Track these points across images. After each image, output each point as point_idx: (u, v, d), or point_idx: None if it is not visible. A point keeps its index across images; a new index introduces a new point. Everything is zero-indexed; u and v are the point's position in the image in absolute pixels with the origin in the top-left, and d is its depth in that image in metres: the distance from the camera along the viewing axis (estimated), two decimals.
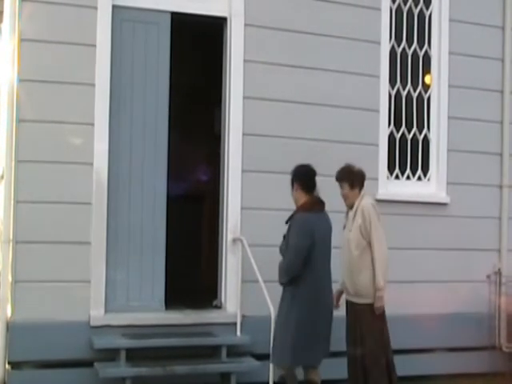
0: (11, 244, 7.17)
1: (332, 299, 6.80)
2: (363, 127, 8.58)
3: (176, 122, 8.36)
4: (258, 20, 8.11)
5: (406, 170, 8.94)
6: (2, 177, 7.37)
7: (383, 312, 6.70)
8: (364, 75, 8.58)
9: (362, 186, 6.83)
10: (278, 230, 7.73)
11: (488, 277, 9.12)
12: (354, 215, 6.73)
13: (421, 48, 9.05)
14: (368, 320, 6.64)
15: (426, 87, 9.11)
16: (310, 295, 6.53)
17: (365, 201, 6.74)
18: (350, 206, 6.83)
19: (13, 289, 7.14)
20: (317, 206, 6.74)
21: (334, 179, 8.23)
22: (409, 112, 8.98)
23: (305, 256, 6.50)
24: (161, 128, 7.82)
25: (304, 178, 6.85)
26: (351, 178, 6.82)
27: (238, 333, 7.71)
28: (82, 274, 7.30)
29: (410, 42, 8.98)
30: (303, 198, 6.78)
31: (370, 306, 6.63)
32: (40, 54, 7.29)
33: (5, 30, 7.48)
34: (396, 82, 8.89)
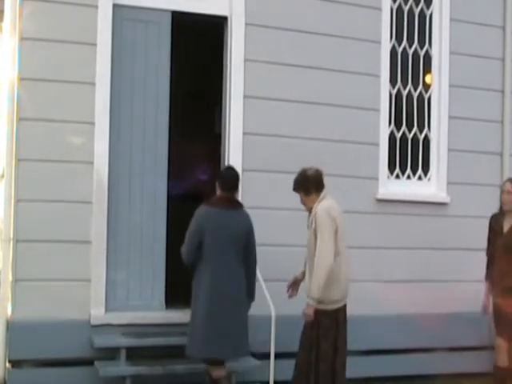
0: (11, 243, 7.17)
1: (242, 296, 6.69)
2: (364, 127, 8.58)
3: (176, 121, 8.35)
4: (259, 19, 8.11)
5: (406, 169, 8.94)
6: (3, 175, 7.37)
7: (339, 318, 6.57)
8: (364, 75, 8.59)
9: (317, 189, 6.68)
10: (278, 230, 7.78)
11: None
12: (312, 220, 6.62)
13: (421, 48, 9.05)
14: (322, 324, 6.53)
15: (427, 87, 9.11)
16: (208, 288, 6.53)
17: (320, 205, 6.56)
18: (309, 211, 6.72)
19: (13, 287, 7.14)
20: (225, 203, 6.72)
21: (333, 179, 8.29)
22: (409, 111, 8.99)
23: (194, 246, 6.56)
24: (161, 127, 7.82)
25: (224, 179, 6.85)
26: (304, 186, 6.70)
27: None
28: (83, 272, 7.30)
29: (410, 42, 8.99)
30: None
31: (322, 311, 6.49)
32: (40, 53, 7.28)
33: (5, 28, 7.49)
34: (397, 81, 8.89)
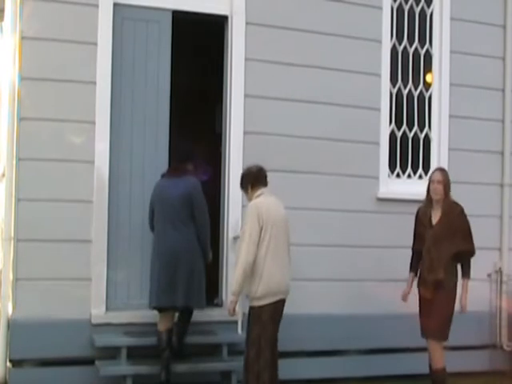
0: (12, 242, 7.18)
1: (190, 253, 7.11)
2: (364, 126, 8.57)
3: (177, 120, 8.35)
4: (259, 18, 8.11)
5: (407, 168, 8.94)
6: (3, 175, 7.38)
7: (262, 316, 6.61)
8: (365, 74, 8.58)
9: (253, 186, 6.83)
10: None
11: (489, 275, 9.13)
12: None
13: (422, 46, 9.04)
14: (252, 320, 6.68)
15: (427, 86, 9.10)
16: (157, 248, 7.16)
17: (252, 202, 6.74)
18: None
19: (14, 287, 7.15)
20: (169, 173, 7.38)
21: (334, 178, 8.31)
22: (410, 110, 8.98)
23: (150, 215, 7.34)
24: (162, 126, 7.81)
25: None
26: (242, 183, 6.98)
27: (239, 331, 7.70)
28: (83, 272, 7.31)
29: (411, 41, 8.98)
30: None
31: (250, 306, 6.71)
32: (41, 52, 7.29)
33: (6, 28, 7.50)
34: (397, 80, 8.88)
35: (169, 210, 7.14)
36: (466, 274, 7.25)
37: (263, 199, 6.72)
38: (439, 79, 9.05)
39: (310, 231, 8.18)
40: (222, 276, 8.04)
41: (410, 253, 8.64)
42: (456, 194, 8.87)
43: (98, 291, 7.37)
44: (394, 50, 8.85)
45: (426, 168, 9.00)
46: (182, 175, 7.28)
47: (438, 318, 7.07)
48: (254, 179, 6.86)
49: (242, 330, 7.69)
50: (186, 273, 7.06)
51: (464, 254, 7.17)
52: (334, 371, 8.14)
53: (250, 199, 6.87)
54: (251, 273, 6.53)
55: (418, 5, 9.03)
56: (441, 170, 7.45)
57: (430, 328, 7.09)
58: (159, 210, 7.20)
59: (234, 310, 6.68)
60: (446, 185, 7.22)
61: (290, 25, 8.24)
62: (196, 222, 7.18)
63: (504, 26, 9.33)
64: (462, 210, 7.28)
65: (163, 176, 7.38)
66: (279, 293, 6.62)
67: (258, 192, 6.79)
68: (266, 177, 6.91)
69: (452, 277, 7.11)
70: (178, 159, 7.50)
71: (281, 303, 6.69)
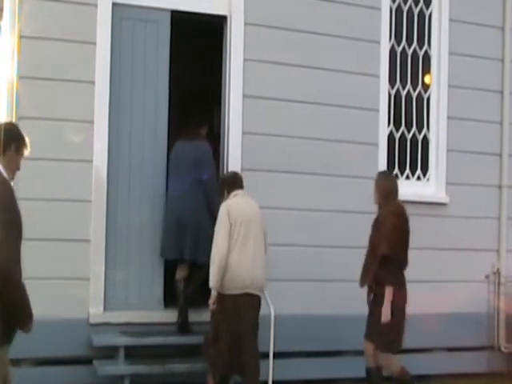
0: None
1: (195, 213, 7.55)
2: (362, 127, 8.57)
3: (175, 120, 8.35)
4: (258, 18, 8.11)
5: (405, 169, 8.94)
6: None
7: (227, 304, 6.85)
8: (364, 74, 8.58)
9: (229, 190, 7.20)
10: (277, 229, 7.76)
11: (487, 277, 9.14)
12: None
13: (420, 48, 9.05)
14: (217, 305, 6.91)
15: (426, 87, 9.11)
16: (168, 205, 7.68)
17: (224, 203, 7.10)
18: None
19: None
20: (182, 137, 7.87)
21: (332, 179, 8.30)
22: (408, 112, 8.99)
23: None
24: (160, 126, 7.82)
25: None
26: (221, 190, 7.34)
27: None
28: (81, 271, 7.30)
29: (409, 42, 8.99)
30: None
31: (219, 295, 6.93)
32: (40, 52, 7.28)
33: (5, 27, 7.47)
34: (396, 81, 8.89)
35: (180, 172, 7.59)
36: (387, 280, 6.82)
37: (235, 199, 7.10)
38: (438, 80, 9.06)
39: (308, 232, 8.17)
40: None
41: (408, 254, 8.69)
42: (454, 196, 8.95)
43: (96, 291, 7.36)
44: (392, 51, 8.85)
45: (425, 169, 9.02)
46: (194, 139, 7.75)
47: (374, 327, 6.90)
48: (229, 185, 7.27)
49: None
50: (194, 230, 7.48)
51: (384, 259, 6.82)
52: (332, 372, 8.13)
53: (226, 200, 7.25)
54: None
55: (416, 6, 9.04)
56: (379, 175, 7.29)
57: (372, 336, 6.97)
58: (172, 171, 7.69)
59: (214, 303, 6.89)
60: (382, 193, 7.03)
61: (288, 25, 8.24)
62: (205, 185, 7.57)
63: (503, 28, 9.35)
64: (392, 212, 6.97)
65: (178, 140, 7.84)
66: (244, 287, 6.83)
67: (233, 194, 7.15)
68: (241, 181, 7.31)
69: (383, 283, 6.81)
70: (194, 123, 7.96)
71: (246, 297, 6.86)
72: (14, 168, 4.70)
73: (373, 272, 6.89)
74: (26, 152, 4.76)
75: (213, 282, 6.82)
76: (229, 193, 7.20)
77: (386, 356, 6.97)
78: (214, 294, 6.88)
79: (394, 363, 6.98)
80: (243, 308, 6.85)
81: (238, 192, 7.17)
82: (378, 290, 6.89)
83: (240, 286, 6.82)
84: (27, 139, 4.78)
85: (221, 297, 6.86)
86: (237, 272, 6.81)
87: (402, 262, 6.98)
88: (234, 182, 7.27)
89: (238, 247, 6.85)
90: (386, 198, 7.03)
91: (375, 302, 6.92)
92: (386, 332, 6.80)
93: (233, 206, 6.99)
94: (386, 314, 6.78)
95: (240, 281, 6.82)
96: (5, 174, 4.58)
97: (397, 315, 6.82)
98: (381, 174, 7.36)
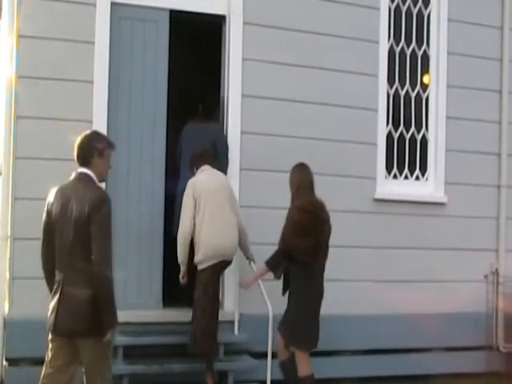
0: (9, 241, 7.17)
1: None
2: (361, 126, 8.58)
3: (174, 119, 8.34)
4: (257, 18, 8.11)
5: (404, 169, 8.94)
6: (0, 173, 7.36)
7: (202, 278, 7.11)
8: (362, 74, 8.59)
9: (198, 166, 7.40)
10: (276, 229, 7.73)
11: (485, 277, 9.14)
12: None
13: (419, 48, 9.06)
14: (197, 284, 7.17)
15: (425, 87, 9.12)
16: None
17: (190, 180, 7.31)
18: None
19: (10, 285, 7.14)
20: (195, 118, 8.21)
21: (331, 178, 8.29)
22: (407, 112, 8.99)
23: (178, 155, 8.07)
24: (159, 126, 7.82)
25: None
26: (191, 166, 7.52)
27: (236, 331, 7.72)
28: None
29: (408, 42, 9.00)
30: None
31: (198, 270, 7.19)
32: (38, 51, 7.29)
33: (3, 26, 7.47)
34: (394, 81, 8.90)
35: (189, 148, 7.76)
36: (269, 263, 6.75)
37: (201, 175, 7.33)
38: (436, 80, 9.07)
39: None
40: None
41: (406, 253, 8.71)
42: (453, 196, 8.95)
43: None
44: (391, 51, 8.86)
45: (423, 169, 9.02)
46: (202, 121, 8.05)
47: (286, 320, 6.72)
48: (197, 160, 7.46)
49: (239, 330, 7.70)
50: None
51: (289, 254, 6.62)
52: (329, 371, 8.12)
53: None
54: (195, 242, 7.12)
55: (415, 6, 9.04)
56: (293, 167, 7.01)
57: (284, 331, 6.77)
58: (183, 153, 7.87)
59: (183, 277, 7.24)
60: (294, 185, 6.84)
61: (287, 25, 8.24)
62: (218, 160, 7.71)
63: (501, 28, 9.35)
64: (297, 207, 6.68)
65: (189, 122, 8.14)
66: (218, 256, 7.10)
67: (200, 169, 7.39)
68: (210, 156, 7.50)
69: (296, 280, 6.64)
70: (205, 107, 8.35)
71: (220, 265, 7.18)
72: (103, 172, 5.34)
73: (281, 264, 6.73)
74: (112, 149, 5.37)
75: (180, 258, 7.17)
76: (197, 168, 7.41)
77: (297, 353, 6.70)
78: (182, 269, 7.20)
79: (302, 362, 6.69)
80: (218, 275, 7.25)
81: (205, 167, 7.38)
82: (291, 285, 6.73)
83: (214, 256, 7.09)
84: (103, 137, 5.48)
85: (198, 274, 7.13)
86: (210, 244, 7.06)
87: (307, 260, 6.54)
88: (202, 157, 7.44)
89: (207, 220, 7.08)
90: (297, 191, 6.81)
91: (288, 296, 6.75)
92: (295, 327, 6.63)
93: (197, 182, 7.22)
94: (245, 282, 7.09)
95: (214, 251, 7.08)
96: (97, 183, 5.28)
97: (305, 313, 6.63)
98: (295, 166, 7.02)
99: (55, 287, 5.34)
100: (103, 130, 7.42)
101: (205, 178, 7.29)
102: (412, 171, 8.99)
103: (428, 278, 8.74)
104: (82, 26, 7.44)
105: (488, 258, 9.16)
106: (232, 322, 7.72)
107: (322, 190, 8.24)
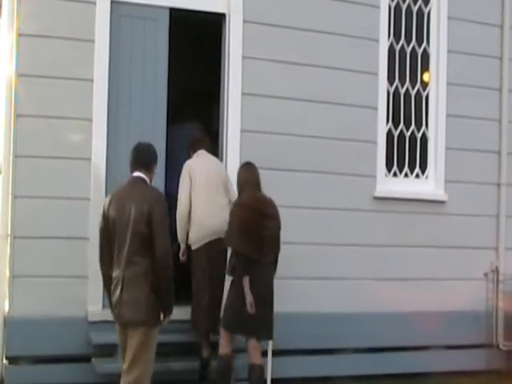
0: (9, 239, 7.17)
1: None
2: (361, 124, 8.57)
3: (174, 118, 8.34)
4: (257, 16, 8.10)
5: (404, 167, 8.93)
6: (0, 172, 7.36)
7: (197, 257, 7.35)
8: (362, 73, 8.58)
9: (194, 150, 7.73)
10: None
11: (485, 275, 9.13)
12: None
13: (419, 46, 9.05)
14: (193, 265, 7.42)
15: (425, 85, 9.11)
16: None
17: (185, 163, 7.59)
18: None
19: (10, 284, 7.14)
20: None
21: (331, 177, 8.30)
22: (407, 110, 8.98)
23: None
24: (159, 124, 7.81)
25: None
26: (187, 151, 7.82)
27: None
28: (80, 269, 7.27)
29: (408, 40, 8.99)
30: None
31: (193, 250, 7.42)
32: (38, 50, 7.28)
33: (3, 25, 7.47)
34: (394, 79, 8.89)
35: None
36: (235, 270, 6.94)
37: (195, 158, 7.66)
38: (436, 78, 9.06)
39: (306, 230, 8.17)
40: None
41: (406, 252, 8.71)
42: (453, 194, 8.94)
43: (94, 289, 7.32)
44: (391, 49, 8.85)
45: (423, 167, 9.01)
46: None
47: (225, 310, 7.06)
48: (194, 144, 7.80)
49: None
50: None
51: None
52: (330, 369, 8.14)
53: None
54: (190, 222, 7.38)
55: (415, 4, 9.03)
56: (241, 165, 7.34)
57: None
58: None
59: (183, 255, 7.48)
60: (239, 182, 7.12)
61: (287, 23, 8.23)
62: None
63: (501, 26, 9.33)
64: (237, 204, 6.97)
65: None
66: (212, 234, 7.31)
67: (196, 154, 7.71)
68: (206, 142, 7.86)
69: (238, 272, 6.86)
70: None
71: (214, 242, 7.31)
72: (153, 177, 6.05)
73: (230, 260, 7.11)
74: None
75: (179, 236, 7.43)
76: (194, 152, 7.72)
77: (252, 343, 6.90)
78: (182, 246, 7.46)
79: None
80: (214, 252, 7.31)
81: (201, 152, 7.70)
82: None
83: (208, 235, 7.30)
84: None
85: (193, 254, 7.36)
86: (204, 225, 7.30)
87: (253, 257, 6.78)
88: (199, 143, 7.80)
89: (202, 202, 7.34)
90: (241, 188, 7.12)
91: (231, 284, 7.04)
92: (228, 313, 6.95)
93: (191, 163, 7.55)
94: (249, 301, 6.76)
95: (207, 231, 7.29)
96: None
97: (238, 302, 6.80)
98: (242, 164, 7.33)
99: (114, 283, 5.76)
100: (103, 129, 7.47)
101: (200, 160, 7.61)
102: (412, 169, 8.98)
103: (428, 276, 8.74)
104: (82, 24, 7.43)
105: (488, 256, 9.16)
106: None
107: (322, 189, 8.29)
